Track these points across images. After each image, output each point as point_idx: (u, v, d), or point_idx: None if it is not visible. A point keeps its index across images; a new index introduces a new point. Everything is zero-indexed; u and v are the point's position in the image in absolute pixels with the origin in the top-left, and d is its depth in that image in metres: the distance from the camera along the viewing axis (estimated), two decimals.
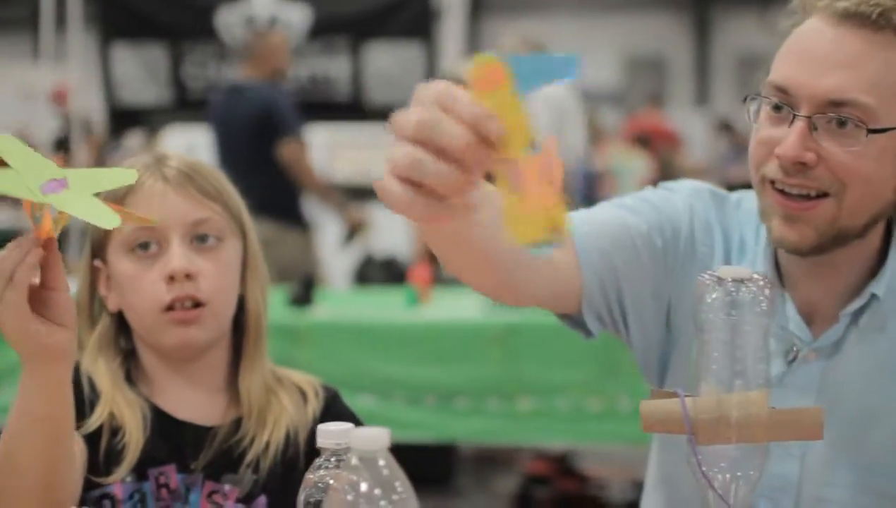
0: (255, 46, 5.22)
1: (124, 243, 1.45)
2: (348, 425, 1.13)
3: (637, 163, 9.01)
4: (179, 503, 1.43)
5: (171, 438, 1.45)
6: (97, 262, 1.49)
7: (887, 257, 1.43)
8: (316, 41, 7.29)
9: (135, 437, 1.42)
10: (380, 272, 5.86)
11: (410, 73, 7.17)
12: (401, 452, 1.06)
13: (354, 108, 7.27)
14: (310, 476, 1.13)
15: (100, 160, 7.40)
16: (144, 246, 1.45)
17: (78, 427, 1.39)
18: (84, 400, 1.43)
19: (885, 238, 1.44)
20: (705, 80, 16.73)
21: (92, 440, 1.42)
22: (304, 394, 1.53)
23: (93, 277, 1.49)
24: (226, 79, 6.53)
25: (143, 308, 1.45)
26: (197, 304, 1.44)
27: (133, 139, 8.09)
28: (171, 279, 1.43)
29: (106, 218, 1.06)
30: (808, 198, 1.35)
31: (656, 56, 16.70)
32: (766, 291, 1.12)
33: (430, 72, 7.21)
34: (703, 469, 1.12)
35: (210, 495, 1.44)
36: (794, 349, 1.42)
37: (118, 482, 1.41)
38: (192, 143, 6.22)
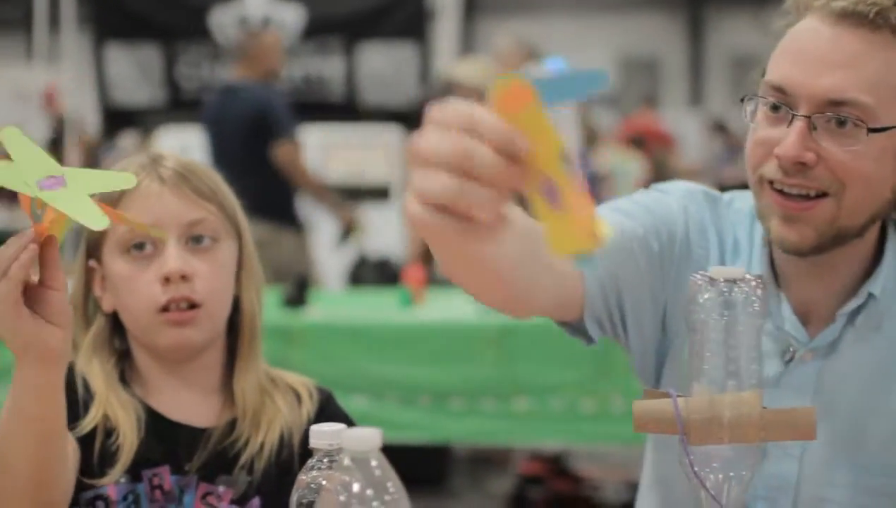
0: (248, 47, 5.22)
1: (119, 243, 1.45)
2: (341, 426, 1.13)
3: (632, 164, 9.02)
4: (173, 504, 1.43)
5: (166, 439, 1.45)
6: (92, 263, 1.48)
7: (883, 256, 1.43)
8: (310, 41, 7.30)
9: (129, 438, 1.42)
10: (373, 273, 5.85)
11: (404, 74, 7.19)
12: (395, 453, 1.06)
13: (348, 109, 7.29)
14: (302, 477, 1.13)
15: (91, 161, 7.39)
16: (140, 246, 1.44)
17: (72, 429, 1.39)
18: (78, 401, 1.43)
19: (880, 237, 1.45)
20: (699, 81, 16.74)
21: (86, 441, 1.41)
22: (298, 396, 1.52)
23: (88, 277, 1.49)
24: (219, 79, 6.54)
25: (138, 308, 1.44)
26: (192, 305, 1.44)
27: (127, 139, 8.08)
28: (167, 280, 1.43)
29: (95, 219, 1.06)
30: (807, 198, 1.35)
31: (650, 57, 16.71)
32: (759, 291, 1.12)
33: (424, 72, 7.22)
34: (696, 469, 1.12)
35: (204, 496, 1.44)
36: (791, 349, 1.42)
37: (112, 483, 1.41)
38: (185, 144, 6.22)
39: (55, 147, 7.47)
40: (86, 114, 8.89)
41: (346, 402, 1.59)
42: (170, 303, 1.43)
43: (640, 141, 9.70)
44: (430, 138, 0.86)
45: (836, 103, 1.32)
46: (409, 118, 5.96)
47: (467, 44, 12.95)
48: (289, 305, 3.69)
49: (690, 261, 1.47)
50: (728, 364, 1.12)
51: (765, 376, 1.37)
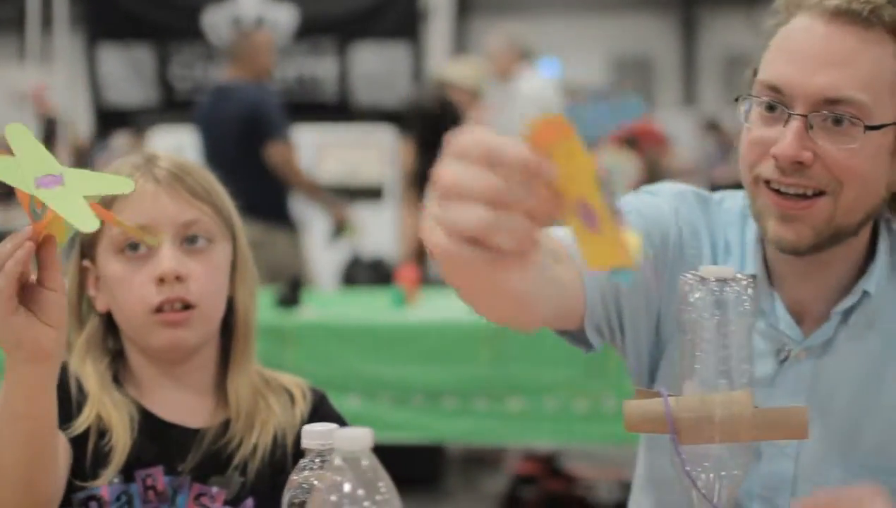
0: (240, 47, 5.22)
1: (114, 243, 1.45)
2: (332, 425, 1.13)
3: (626, 164, 9.02)
4: (166, 505, 1.43)
5: (159, 440, 1.45)
6: (86, 262, 1.48)
7: (876, 254, 1.44)
8: (302, 42, 7.29)
9: (122, 439, 1.41)
10: (367, 273, 5.86)
11: (397, 74, 7.18)
12: (388, 453, 1.06)
13: (341, 109, 7.28)
14: (294, 477, 1.13)
15: (80, 161, 7.38)
16: (134, 246, 1.44)
17: (65, 429, 1.39)
18: (71, 401, 1.43)
19: (872, 234, 1.45)
20: (692, 81, 16.76)
21: (79, 442, 1.41)
22: (291, 396, 1.52)
23: (81, 277, 1.49)
24: (213, 79, 6.53)
25: (132, 309, 1.44)
26: (186, 306, 1.44)
27: (120, 140, 8.07)
28: (161, 281, 1.43)
29: (85, 220, 1.06)
30: (804, 197, 1.35)
31: (643, 56, 16.73)
32: (750, 290, 1.12)
33: (417, 72, 7.22)
34: (687, 468, 1.12)
35: (197, 497, 1.44)
36: (786, 349, 1.43)
37: (105, 484, 1.41)
38: (179, 144, 6.22)
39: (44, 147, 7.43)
40: (78, 114, 8.88)
41: (340, 402, 1.59)
42: (164, 304, 1.43)
43: (633, 141, 9.71)
44: (455, 170, 0.85)
45: (832, 101, 1.32)
46: (402, 118, 5.96)
47: (460, 44, 12.95)
48: (282, 305, 3.69)
49: (683, 263, 1.47)
50: (719, 363, 1.12)
51: (759, 375, 1.38)
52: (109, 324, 1.50)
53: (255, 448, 1.46)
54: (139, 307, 1.43)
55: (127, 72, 7.42)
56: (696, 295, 1.12)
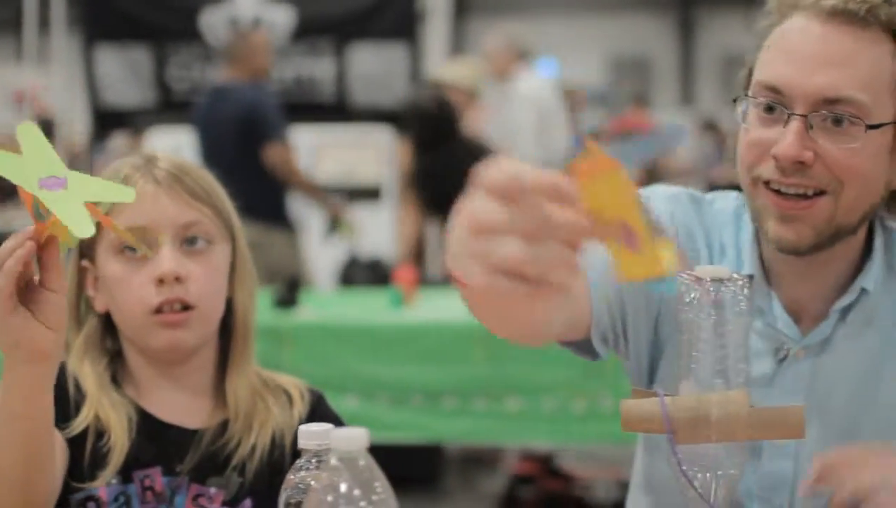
0: (237, 47, 5.22)
1: (113, 244, 1.45)
2: (328, 426, 1.13)
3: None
4: (165, 505, 1.43)
5: (157, 440, 1.45)
6: (85, 262, 1.48)
7: (872, 251, 1.44)
8: (300, 42, 7.29)
9: (120, 440, 1.42)
10: (364, 273, 5.85)
11: (395, 74, 7.18)
12: (387, 453, 1.06)
13: (339, 109, 7.27)
14: (291, 477, 1.13)
15: (73, 164, 7.35)
16: (133, 247, 1.44)
17: (63, 429, 1.39)
18: (69, 401, 1.43)
19: (868, 232, 1.45)
20: (690, 81, 16.77)
21: (77, 442, 1.41)
22: (289, 397, 1.53)
23: (80, 277, 1.49)
24: (210, 80, 6.53)
25: (132, 310, 1.44)
26: (186, 307, 1.44)
27: (117, 140, 8.06)
28: (161, 281, 1.43)
29: (82, 224, 1.06)
30: (805, 197, 1.35)
31: (641, 56, 16.74)
32: (746, 291, 1.12)
33: (415, 72, 7.22)
34: (684, 468, 1.12)
35: (195, 498, 1.44)
36: (785, 348, 1.43)
37: (103, 485, 1.41)
38: (176, 145, 6.21)
39: None
40: (76, 115, 8.87)
41: (338, 402, 1.59)
42: (163, 305, 1.43)
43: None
44: (489, 206, 0.84)
45: (831, 101, 1.32)
46: (400, 118, 5.96)
47: (458, 44, 12.96)
48: (280, 305, 3.69)
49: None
50: (716, 363, 1.12)
51: (758, 375, 1.38)
52: (108, 325, 1.50)
53: (253, 448, 1.46)
54: (138, 308, 1.43)
55: (124, 73, 7.42)
56: (693, 296, 1.12)
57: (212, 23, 7.30)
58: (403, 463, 2.73)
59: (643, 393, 1.16)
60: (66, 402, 1.42)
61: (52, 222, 1.11)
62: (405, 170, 5.69)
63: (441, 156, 5.16)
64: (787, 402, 1.39)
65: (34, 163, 1.08)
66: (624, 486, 1.69)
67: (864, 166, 1.34)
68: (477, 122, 5.88)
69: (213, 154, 4.89)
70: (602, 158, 0.85)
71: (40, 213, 1.10)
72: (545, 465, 4.52)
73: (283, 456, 1.47)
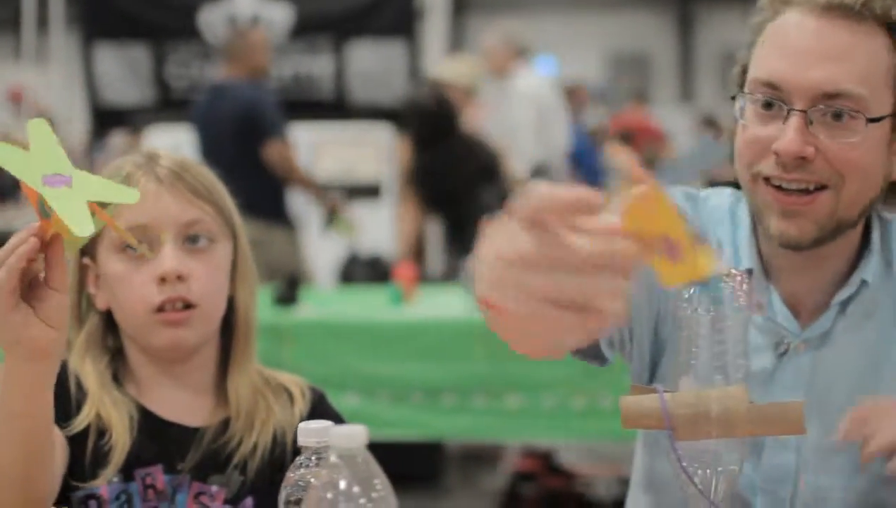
0: (235, 45, 5.21)
1: (115, 242, 1.44)
2: (328, 423, 1.13)
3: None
4: (166, 503, 1.43)
5: (159, 439, 1.45)
6: (86, 260, 1.48)
7: (870, 243, 1.44)
8: (299, 40, 7.29)
9: (121, 439, 1.42)
10: (364, 270, 5.86)
11: (394, 72, 7.18)
12: (387, 450, 1.06)
13: (338, 107, 7.27)
14: (290, 475, 1.13)
15: (72, 161, 7.33)
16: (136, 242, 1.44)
17: (64, 427, 1.40)
18: (70, 400, 1.43)
19: (865, 225, 1.46)
20: (689, 77, 16.77)
21: (78, 441, 1.42)
22: (290, 395, 1.53)
23: (81, 275, 1.49)
24: (209, 78, 6.53)
25: (133, 308, 1.44)
26: (187, 306, 1.44)
27: (116, 139, 8.06)
28: (163, 280, 1.43)
29: (82, 224, 1.06)
30: (806, 192, 1.36)
31: (640, 53, 16.73)
32: (745, 286, 1.12)
33: (414, 70, 7.22)
34: (684, 464, 1.13)
35: (197, 496, 1.44)
36: (786, 342, 1.43)
37: (104, 483, 1.41)
38: (175, 143, 6.21)
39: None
40: (75, 113, 8.87)
41: (338, 400, 1.59)
42: (165, 303, 1.43)
43: (631, 137, 9.71)
44: (533, 239, 0.84)
45: (830, 96, 1.33)
46: (399, 116, 5.96)
47: (456, 41, 12.95)
48: (280, 303, 3.69)
49: None
50: (715, 359, 1.13)
51: (759, 369, 1.39)
52: (109, 322, 1.50)
53: (254, 447, 1.46)
54: (140, 306, 1.43)
55: (123, 71, 7.42)
56: (692, 292, 1.12)
57: (210, 21, 7.30)
58: (404, 461, 2.73)
59: (642, 389, 1.16)
60: (67, 401, 1.42)
61: (56, 220, 1.10)
62: (404, 167, 5.69)
63: (440, 153, 5.16)
64: (787, 395, 1.39)
65: (40, 160, 1.08)
66: (625, 483, 1.69)
67: (864, 159, 1.35)
68: (475, 120, 5.88)
69: (213, 152, 4.89)
70: (651, 193, 0.85)
71: (45, 211, 1.10)
72: (546, 462, 4.52)
73: (284, 455, 1.47)
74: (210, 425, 1.48)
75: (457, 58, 7.26)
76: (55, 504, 1.35)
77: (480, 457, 5.08)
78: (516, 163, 6.21)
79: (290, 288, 3.74)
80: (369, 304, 4.03)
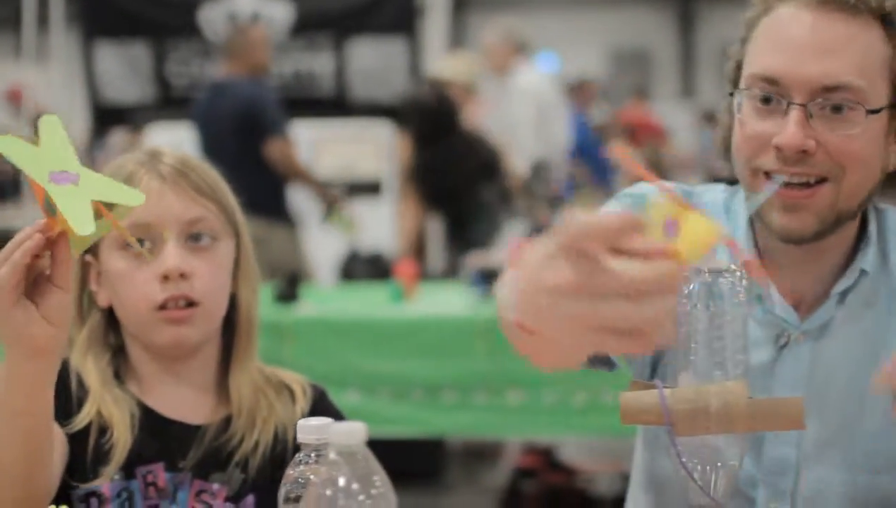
0: (236, 43, 5.21)
1: (117, 239, 1.44)
2: (328, 420, 1.13)
3: None
4: (167, 501, 1.43)
5: (160, 436, 1.46)
6: (88, 257, 1.48)
7: (867, 233, 1.45)
8: (299, 37, 7.28)
9: (123, 437, 1.42)
10: (365, 268, 5.85)
11: (394, 69, 7.17)
12: (388, 447, 1.06)
13: (338, 104, 7.26)
14: (290, 472, 1.14)
15: None
16: (138, 243, 1.44)
17: (66, 425, 1.40)
18: (72, 397, 1.44)
19: (861, 216, 1.46)
20: (690, 73, 16.75)
21: (80, 439, 1.42)
22: (291, 393, 1.53)
23: (83, 272, 1.49)
24: (209, 76, 6.52)
25: (136, 306, 1.44)
26: (190, 304, 1.44)
27: (117, 137, 8.06)
28: (165, 278, 1.43)
29: (83, 223, 1.06)
30: (807, 185, 1.36)
31: (641, 49, 16.72)
32: (744, 281, 1.12)
33: (414, 67, 7.22)
34: (684, 459, 1.13)
35: (198, 494, 1.44)
36: (786, 334, 1.43)
37: (106, 481, 1.41)
38: (176, 141, 6.21)
39: None
40: (75, 111, 8.86)
41: (339, 397, 1.59)
42: (168, 301, 1.43)
43: (632, 133, 9.71)
44: (575, 267, 0.83)
45: (830, 89, 1.33)
46: (400, 113, 5.96)
47: (457, 39, 12.93)
48: (280, 300, 3.69)
49: None
50: (714, 354, 1.12)
51: (758, 362, 1.39)
52: (111, 320, 1.50)
53: (256, 444, 1.47)
54: (143, 304, 1.43)
55: (123, 69, 7.41)
56: (690, 287, 1.12)
57: (211, 18, 7.30)
58: (405, 458, 2.74)
59: (642, 385, 1.16)
60: (68, 398, 1.43)
61: (62, 217, 1.10)
62: (405, 164, 5.69)
63: (441, 150, 5.16)
64: (788, 387, 1.40)
65: (49, 156, 1.09)
66: (625, 478, 1.69)
67: (864, 151, 1.35)
68: (476, 117, 5.88)
69: (213, 149, 4.89)
70: (675, 206, 0.86)
71: (52, 207, 1.10)
72: (547, 458, 4.52)
73: (285, 452, 1.48)
74: (211, 423, 1.48)
75: (457, 55, 7.26)
76: (56, 502, 1.35)
77: (481, 454, 5.08)
78: (516, 160, 6.21)
79: (290, 285, 3.74)
80: (370, 301, 4.02)
